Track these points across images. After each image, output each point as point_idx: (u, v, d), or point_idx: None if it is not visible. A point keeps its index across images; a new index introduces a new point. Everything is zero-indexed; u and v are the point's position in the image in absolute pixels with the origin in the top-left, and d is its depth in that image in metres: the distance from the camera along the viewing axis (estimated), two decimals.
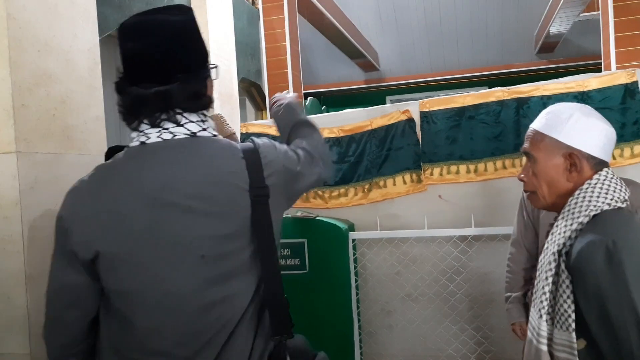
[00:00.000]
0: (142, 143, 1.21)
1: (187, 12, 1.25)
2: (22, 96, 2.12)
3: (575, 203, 1.25)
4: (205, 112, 1.25)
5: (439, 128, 3.33)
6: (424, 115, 3.35)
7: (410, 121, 3.37)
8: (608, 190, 1.23)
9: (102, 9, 3.09)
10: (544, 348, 1.24)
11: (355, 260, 3.28)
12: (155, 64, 1.18)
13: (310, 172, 1.35)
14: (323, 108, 9.34)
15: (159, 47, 1.18)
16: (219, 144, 1.23)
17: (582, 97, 3.07)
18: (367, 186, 3.45)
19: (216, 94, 4.54)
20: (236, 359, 1.19)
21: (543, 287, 1.27)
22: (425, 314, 3.20)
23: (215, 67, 1.29)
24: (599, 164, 1.28)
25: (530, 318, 1.35)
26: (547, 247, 1.29)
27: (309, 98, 8.34)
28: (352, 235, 3.27)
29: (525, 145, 1.43)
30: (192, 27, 1.23)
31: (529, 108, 3.16)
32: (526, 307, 2.42)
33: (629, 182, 2.24)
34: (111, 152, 2.55)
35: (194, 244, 1.15)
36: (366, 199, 3.44)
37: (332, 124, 3.59)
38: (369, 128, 3.49)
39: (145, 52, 1.18)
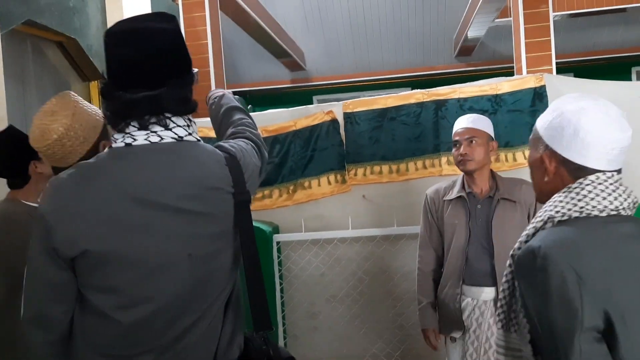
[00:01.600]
0: (128, 144, 1.23)
1: (172, 21, 1.29)
2: None
3: (544, 208, 1.18)
4: (190, 116, 1.29)
5: (362, 129, 3.36)
6: (347, 116, 3.37)
7: (334, 122, 3.38)
8: (585, 196, 1.11)
9: (6, 3, 2.88)
10: (502, 358, 1.22)
11: (279, 263, 3.25)
12: (147, 69, 1.22)
13: (263, 161, 1.46)
14: (249, 107, 9.19)
15: (150, 53, 1.22)
16: (204, 149, 1.29)
17: (495, 100, 3.20)
18: (291, 187, 3.43)
19: None
20: (207, 345, 1.28)
21: (502, 291, 1.24)
22: (350, 314, 3.22)
23: (197, 72, 1.34)
24: (579, 170, 1.14)
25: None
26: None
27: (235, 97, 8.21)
28: (277, 237, 3.24)
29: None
30: (179, 34, 1.28)
31: (447, 110, 3.26)
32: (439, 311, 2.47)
33: (521, 182, 2.35)
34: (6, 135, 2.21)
35: (182, 244, 1.21)
36: (291, 200, 3.42)
37: (256, 124, 3.52)
38: (293, 129, 3.46)
39: (137, 59, 1.22)
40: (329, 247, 3.23)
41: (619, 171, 1.15)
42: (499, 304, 1.26)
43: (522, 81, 3.22)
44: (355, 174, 3.34)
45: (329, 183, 3.38)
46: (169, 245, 1.21)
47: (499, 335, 1.25)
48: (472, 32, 8.49)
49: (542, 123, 1.21)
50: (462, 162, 2.35)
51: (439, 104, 3.26)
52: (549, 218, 1.14)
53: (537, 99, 3.15)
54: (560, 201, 1.14)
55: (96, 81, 4.16)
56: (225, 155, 1.31)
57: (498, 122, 3.15)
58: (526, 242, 1.16)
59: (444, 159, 3.24)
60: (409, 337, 3.17)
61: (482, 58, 9.79)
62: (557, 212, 1.13)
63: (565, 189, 1.15)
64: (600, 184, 1.12)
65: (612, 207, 1.11)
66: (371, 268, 3.22)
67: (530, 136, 1.27)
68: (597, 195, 1.11)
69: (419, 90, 3.35)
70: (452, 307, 2.33)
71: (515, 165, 3.13)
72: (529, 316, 1.11)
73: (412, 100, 3.31)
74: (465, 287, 2.32)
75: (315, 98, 10.81)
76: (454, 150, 2.42)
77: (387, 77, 10.34)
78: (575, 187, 1.13)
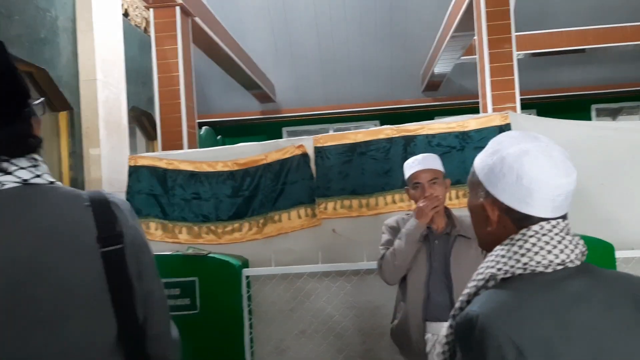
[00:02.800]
0: None
1: None
2: None
3: (485, 262, 1.08)
4: (36, 155, 1.11)
5: (332, 163, 3.39)
6: (318, 151, 3.40)
7: (305, 156, 3.41)
8: (529, 250, 1.01)
9: None
10: None
11: (249, 298, 3.22)
12: None
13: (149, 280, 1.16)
14: (219, 138, 9.22)
15: None
16: (57, 192, 1.10)
17: (462, 137, 3.28)
18: (261, 221, 3.42)
19: (102, 123, 4.32)
20: None
21: (442, 353, 1.14)
22: (319, 350, 3.19)
23: (41, 102, 1.15)
24: (525, 220, 1.04)
25: None
26: None
27: (203, 127, 8.19)
28: (246, 272, 3.21)
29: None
30: (5, 62, 1.08)
31: (415, 145, 3.32)
32: None
33: (462, 218, 2.39)
34: None
35: (34, 306, 1.01)
36: (261, 234, 3.41)
37: (227, 157, 3.53)
38: (264, 162, 3.48)
39: None
40: (298, 282, 3.22)
41: (564, 217, 1.05)
42: None
43: (488, 119, 3.32)
44: (326, 208, 3.36)
45: (299, 217, 3.38)
46: (20, 310, 1.02)
47: None
48: (439, 69, 8.74)
49: (481, 166, 1.09)
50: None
51: (408, 140, 3.33)
52: (491, 276, 1.03)
53: None
54: (503, 256, 1.03)
55: (65, 112, 4.12)
56: (91, 196, 1.11)
57: (465, 159, 3.23)
58: (468, 301, 1.06)
59: None
60: None
61: (449, 93, 10.06)
62: (499, 269, 1.03)
63: (507, 241, 1.04)
64: (544, 234, 1.02)
65: (558, 261, 1.01)
66: (340, 303, 3.21)
67: (469, 177, 1.15)
68: (542, 248, 1.01)
69: (388, 126, 3.42)
70: (415, 338, 2.33)
71: None
72: None
73: (382, 136, 3.37)
74: (426, 323, 2.33)
75: (284, 129, 10.89)
76: (412, 191, 2.39)
77: (355, 110, 10.51)
78: (518, 240, 1.03)
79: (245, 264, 3.30)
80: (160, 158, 3.64)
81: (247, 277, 3.21)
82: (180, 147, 4.89)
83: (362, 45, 9.68)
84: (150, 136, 6.31)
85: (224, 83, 9.33)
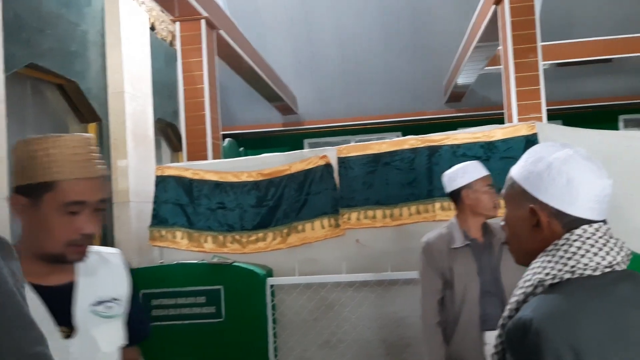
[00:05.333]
0: None
1: None
2: None
3: (532, 269, 1.07)
4: None
5: (356, 173, 3.40)
6: (341, 161, 3.41)
7: (328, 166, 3.42)
8: (575, 253, 1.01)
9: (8, 46, 2.93)
10: None
11: (273, 307, 3.23)
12: None
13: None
14: (241, 149, 9.30)
15: None
16: None
17: (488, 147, 3.26)
18: (285, 230, 3.44)
19: (130, 135, 4.40)
20: None
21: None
22: None
23: None
24: (575, 222, 1.04)
25: None
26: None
27: (226, 139, 8.28)
28: (270, 281, 3.23)
29: (503, 189, 1.22)
30: None
31: (440, 156, 3.31)
32: None
33: (494, 225, 2.36)
34: None
35: None
36: (285, 244, 3.42)
37: (251, 167, 3.57)
38: (288, 172, 3.50)
39: None
40: (322, 292, 3.22)
41: (604, 221, 1.07)
42: None
43: (515, 129, 3.29)
44: (349, 219, 3.36)
45: (323, 227, 3.39)
46: None
47: None
48: (462, 79, 8.69)
49: (524, 176, 1.10)
50: (495, 208, 2.34)
51: (433, 150, 3.32)
52: (539, 282, 1.03)
53: (530, 146, 3.19)
54: (549, 261, 1.03)
55: (94, 123, 4.21)
56: None
57: (491, 169, 3.17)
58: (516, 309, 1.05)
59: (437, 205, 3.27)
60: None
61: (472, 104, 10.00)
62: (546, 274, 1.02)
63: (551, 247, 1.05)
64: (588, 238, 1.03)
65: (605, 263, 1.01)
66: (365, 313, 3.20)
67: (506, 191, 1.16)
68: (587, 251, 1.01)
69: (412, 136, 3.42)
70: (475, 356, 2.26)
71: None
72: None
73: (406, 146, 3.37)
74: (484, 333, 2.25)
75: (306, 141, 10.93)
76: (475, 196, 2.33)
77: (377, 121, 10.50)
78: (563, 244, 1.03)
79: (270, 273, 3.31)
80: (187, 168, 3.70)
81: (272, 286, 3.22)
82: (205, 158, 4.95)
83: (384, 56, 9.69)
84: (175, 148, 6.40)
85: (247, 95, 9.42)
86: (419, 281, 3.10)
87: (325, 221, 3.39)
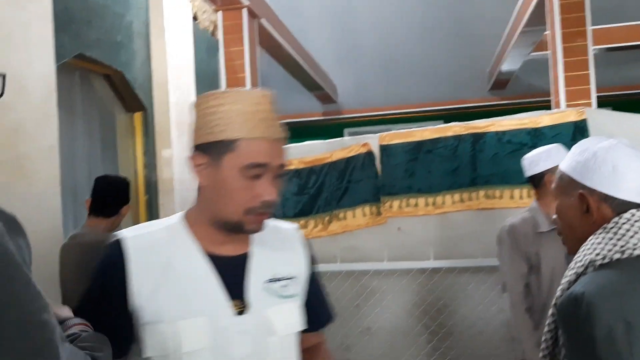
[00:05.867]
0: None
1: None
2: None
3: (582, 251, 1.13)
4: None
5: (398, 161, 3.37)
6: (383, 149, 3.39)
7: (370, 154, 3.40)
8: (624, 235, 1.07)
9: (59, 37, 3.03)
10: None
11: None
12: None
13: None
14: None
15: None
16: None
17: (535, 134, 3.18)
18: (327, 218, 3.44)
19: (174, 124, 4.48)
20: None
21: (545, 341, 1.18)
22: (385, 347, 3.17)
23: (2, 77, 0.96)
24: (623, 205, 1.11)
25: None
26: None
27: None
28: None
29: (553, 184, 1.31)
30: None
31: (484, 143, 3.25)
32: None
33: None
34: (100, 183, 2.58)
35: None
36: (326, 231, 3.43)
37: (292, 155, 3.58)
38: (329, 160, 3.49)
39: None
40: (364, 279, 3.21)
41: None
42: (541, 354, 1.19)
43: (563, 115, 3.19)
44: (391, 207, 3.34)
45: (364, 215, 3.38)
46: None
47: None
48: (507, 66, 8.48)
49: (572, 166, 1.18)
50: None
51: (477, 137, 3.25)
52: (589, 262, 1.09)
53: (578, 133, 3.11)
54: (599, 243, 1.09)
55: (140, 113, 4.31)
56: None
57: None
58: (568, 289, 1.10)
59: (481, 193, 3.21)
60: None
61: (517, 92, 9.75)
62: (597, 254, 1.08)
63: (600, 230, 1.11)
64: (637, 220, 1.08)
65: None
66: (406, 301, 3.18)
67: (556, 183, 1.25)
68: (636, 232, 1.07)
69: (456, 123, 3.36)
70: None
71: None
72: None
73: (449, 133, 3.31)
74: None
75: (346, 131, 10.89)
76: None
77: (418, 110, 10.36)
78: (612, 227, 1.09)
79: None
80: None
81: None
82: None
83: (425, 44, 9.56)
84: None
85: (287, 84, 9.45)
86: (462, 270, 3.07)
87: (367, 209, 3.38)
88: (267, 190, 1.10)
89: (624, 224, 1.08)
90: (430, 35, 9.54)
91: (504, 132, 3.22)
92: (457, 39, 9.45)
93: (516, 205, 3.11)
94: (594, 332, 0.97)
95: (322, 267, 3.26)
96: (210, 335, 1.10)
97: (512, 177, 3.13)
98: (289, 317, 1.20)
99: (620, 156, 1.12)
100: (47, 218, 2.51)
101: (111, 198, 2.60)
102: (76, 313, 1.09)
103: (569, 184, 1.18)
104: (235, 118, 1.09)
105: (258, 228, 1.15)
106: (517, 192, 3.14)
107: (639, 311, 0.97)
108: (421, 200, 3.32)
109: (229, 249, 1.17)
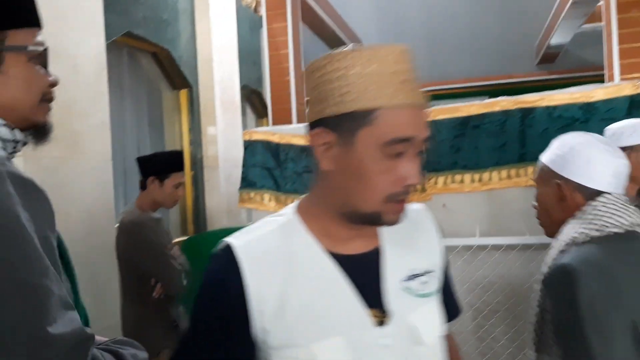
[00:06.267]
0: None
1: None
2: None
3: (564, 233, 1.28)
4: None
5: (443, 137, 3.31)
6: (429, 124, 3.34)
7: None
8: (601, 216, 1.24)
9: (107, 15, 3.09)
10: None
11: None
12: None
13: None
14: None
15: None
16: None
17: (587, 108, 3.07)
18: None
19: (218, 101, 4.53)
20: None
21: (535, 315, 1.30)
22: None
23: (44, 48, 0.99)
24: (594, 194, 1.28)
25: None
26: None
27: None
28: None
29: (534, 175, 1.47)
30: None
31: (534, 118, 3.15)
32: None
33: None
34: (144, 162, 2.65)
35: None
36: None
37: None
38: None
39: None
40: None
41: (625, 194, 1.30)
42: (532, 328, 1.31)
43: (618, 88, 3.07)
44: (436, 183, 3.30)
45: None
46: None
47: (531, 358, 1.34)
48: (556, 39, 8.18)
49: (551, 159, 1.37)
50: None
51: (526, 112, 3.17)
52: (571, 240, 1.24)
53: (634, 107, 2.99)
54: (580, 224, 1.26)
55: (185, 90, 4.37)
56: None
57: (590, 131, 3.01)
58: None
59: (530, 169, 3.13)
60: (491, 350, 3.09)
61: (566, 66, 9.41)
62: (579, 233, 1.23)
63: (579, 214, 1.28)
64: (611, 203, 1.25)
65: (627, 223, 1.22)
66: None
67: (537, 175, 1.43)
68: (612, 213, 1.23)
69: (504, 97, 3.27)
70: None
71: None
72: (559, 334, 1.18)
73: (497, 108, 3.23)
74: None
75: None
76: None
77: (463, 85, 10.15)
78: (590, 210, 1.26)
79: None
80: (273, 132, 3.77)
81: None
82: (290, 124, 5.02)
83: (471, 16, 9.30)
84: (260, 114, 6.53)
85: None
86: (508, 247, 3.02)
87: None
88: (412, 171, 0.90)
89: (599, 205, 1.26)
90: (476, 8, 9.27)
91: (554, 107, 3.12)
92: (504, 12, 9.16)
93: None
94: (577, 296, 1.11)
95: None
96: (350, 355, 0.91)
97: None
98: (433, 319, 1.01)
99: (594, 151, 1.29)
100: (100, 192, 2.60)
101: (141, 169, 2.68)
102: (188, 354, 0.95)
103: (547, 174, 1.36)
104: (371, 82, 0.86)
105: (398, 218, 0.94)
106: None
107: (615, 278, 1.12)
108: (467, 177, 3.27)
109: (356, 246, 0.98)
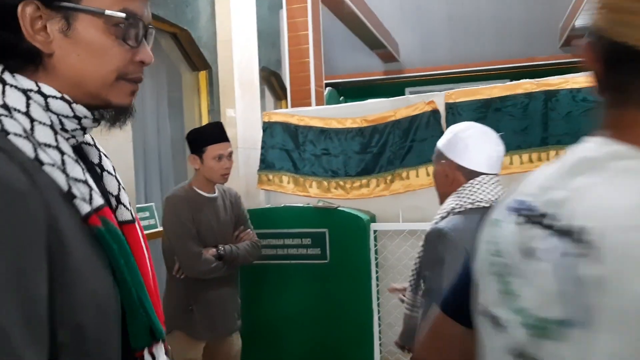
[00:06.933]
0: None
1: None
2: None
3: (446, 203, 1.61)
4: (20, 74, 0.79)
5: (464, 120, 3.27)
6: (449, 107, 3.31)
7: (435, 112, 3.33)
8: (475, 192, 1.55)
9: None
10: (408, 312, 1.71)
11: (376, 252, 3.27)
12: None
13: None
14: (341, 98, 9.29)
15: None
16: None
17: None
18: (389, 177, 3.42)
19: (237, 82, 4.52)
20: None
21: (415, 264, 1.71)
22: None
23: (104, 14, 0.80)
24: (472, 173, 1.59)
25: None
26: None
27: (327, 88, 8.29)
28: (374, 226, 3.26)
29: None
30: None
31: (557, 101, 3.10)
32: None
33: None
34: (188, 142, 2.65)
35: None
36: (388, 191, 3.42)
37: (355, 114, 3.56)
38: (393, 119, 3.45)
39: None
40: None
41: (496, 175, 1.63)
42: (411, 274, 1.70)
43: None
44: None
45: (428, 174, 3.34)
46: None
47: (408, 296, 1.72)
48: (581, 21, 8.00)
49: (441, 143, 1.68)
50: None
51: (549, 95, 3.12)
52: (451, 209, 1.56)
53: None
54: (459, 197, 1.57)
55: (205, 71, 4.36)
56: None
57: None
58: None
59: (552, 153, 3.09)
60: None
61: None
62: (456, 204, 1.56)
63: (460, 189, 1.59)
64: (485, 183, 1.57)
65: (493, 199, 1.54)
66: None
67: (434, 155, 1.74)
68: (483, 191, 1.55)
69: (527, 80, 3.22)
70: None
71: None
72: (427, 278, 1.53)
73: (520, 91, 3.19)
74: None
75: (407, 90, 10.67)
76: None
77: (484, 68, 10.00)
78: (468, 187, 1.58)
79: (373, 218, 3.34)
80: (292, 114, 3.76)
81: (375, 231, 3.25)
82: (309, 105, 5.00)
83: None
84: (279, 96, 6.51)
85: (347, 42, 9.33)
86: None
87: (431, 168, 3.33)
88: None
89: (475, 184, 1.58)
90: None
91: (578, 90, 3.06)
92: None
93: None
94: (445, 254, 1.45)
95: (384, 226, 3.27)
96: None
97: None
98: None
99: (472, 136, 1.60)
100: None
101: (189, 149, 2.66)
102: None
103: (438, 155, 1.68)
104: None
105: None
106: None
107: (474, 245, 1.28)
108: None
109: None
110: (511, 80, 3.35)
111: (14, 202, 0.65)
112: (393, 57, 9.93)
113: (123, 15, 0.81)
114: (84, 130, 0.85)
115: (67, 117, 0.80)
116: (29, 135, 0.74)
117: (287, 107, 5.28)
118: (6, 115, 0.73)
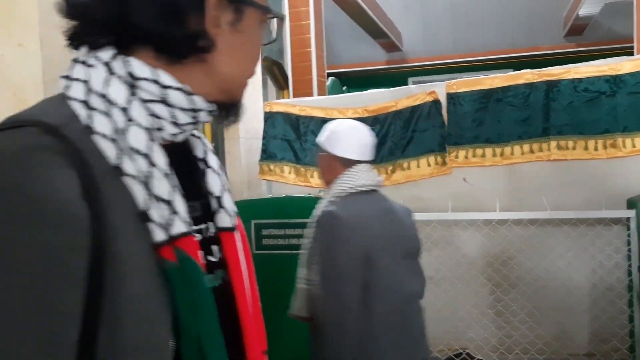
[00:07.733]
0: None
1: None
2: (52, 71, 2.13)
3: (332, 189, 1.79)
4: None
5: (465, 110, 3.28)
6: (450, 97, 3.30)
7: (437, 103, 3.33)
8: (353, 179, 1.75)
9: None
10: (303, 286, 1.84)
11: None
12: None
13: None
14: (344, 88, 9.27)
15: None
16: None
17: (614, 81, 3.00)
18: (390, 168, 3.43)
19: None
20: None
21: (309, 242, 1.82)
22: (447, 297, 3.19)
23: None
24: (347, 162, 1.78)
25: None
26: None
27: (330, 78, 8.28)
28: None
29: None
30: None
31: (559, 91, 3.10)
32: None
33: None
34: None
35: None
36: (389, 181, 3.42)
37: (357, 104, 3.56)
38: (394, 109, 3.45)
39: None
40: (427, 229, 3.20)
41: (370, 162, 1.81)
42: (306, 253, 1.82)
43: None
44: (457, 157, 3.28)
45: (429, 165, 3.34)
46: None
47: (302, 272, 1.84)
48: (585, 10, 7.95)
49: (322, 136, 1.86)
50: None
51: (551, 85, 3.11)
52: (336, 195, 1.75)
53: None
54: (341, 184, 1.76)
55: None
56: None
57: (616, 105, 2.96)
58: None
59: (553, 143, 3.09)
60: (509, 324, 3.09)
61: (595, 38, 9.16)
62: (341, 190, 1.75)
63: (341, 176, 1.77)
64: (361, 171, 1.76)
65: (369, 184, 1.75)
66: (470, 252, 3.16)
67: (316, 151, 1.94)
68: (361, 178, 1.74)
69: (528, 70, 3.21)
70: None
71: (634, 151, 2.93)
72: (320, 255, 1.69)
73: (521, 81, 3.18)
74: None
75: (410, 80, 10.63)
76: None
77: (487, 58, 9.95)
78: (347, 174, 1.77)
79: None
80: (294, 104, 3.76)
81: None
82: (311, 95, 5.01)
83: None
84: (281, 86, 6.50)
85: (350, 32, 9.30)
86: (528, 222, 3.00)
87: (432, 159, 3.34)
88: None
89: (353, 172, 1.76)
90: None
91: (580, 80, 3.06)
92: None
93: (590, 156, 2.98)
94: (333, 232, 1.65)
95: None
96: None
97: (588, 127, 3.00)
98: None
99: (343, 130, 1.82)
100: None
101: None
102: None
103: (319, 149, 1.87)
104: None
105: None
106: (591, 143, 3.00)
107: (358, 222, 1.65)
108: (489, 151, 3.24)
109: None
110: (514, 71, 3.34)
111: (56, 227, 0.55)
112: (396, 46, 9.90)
113: (271, 11, 0.77)
114: (196, 124, 0.74)
115: (183, 109, 0.70)
116: (118, 136, 0.63)
117: (289, 97, 5.28)
118: (100, 111, 0.64)
